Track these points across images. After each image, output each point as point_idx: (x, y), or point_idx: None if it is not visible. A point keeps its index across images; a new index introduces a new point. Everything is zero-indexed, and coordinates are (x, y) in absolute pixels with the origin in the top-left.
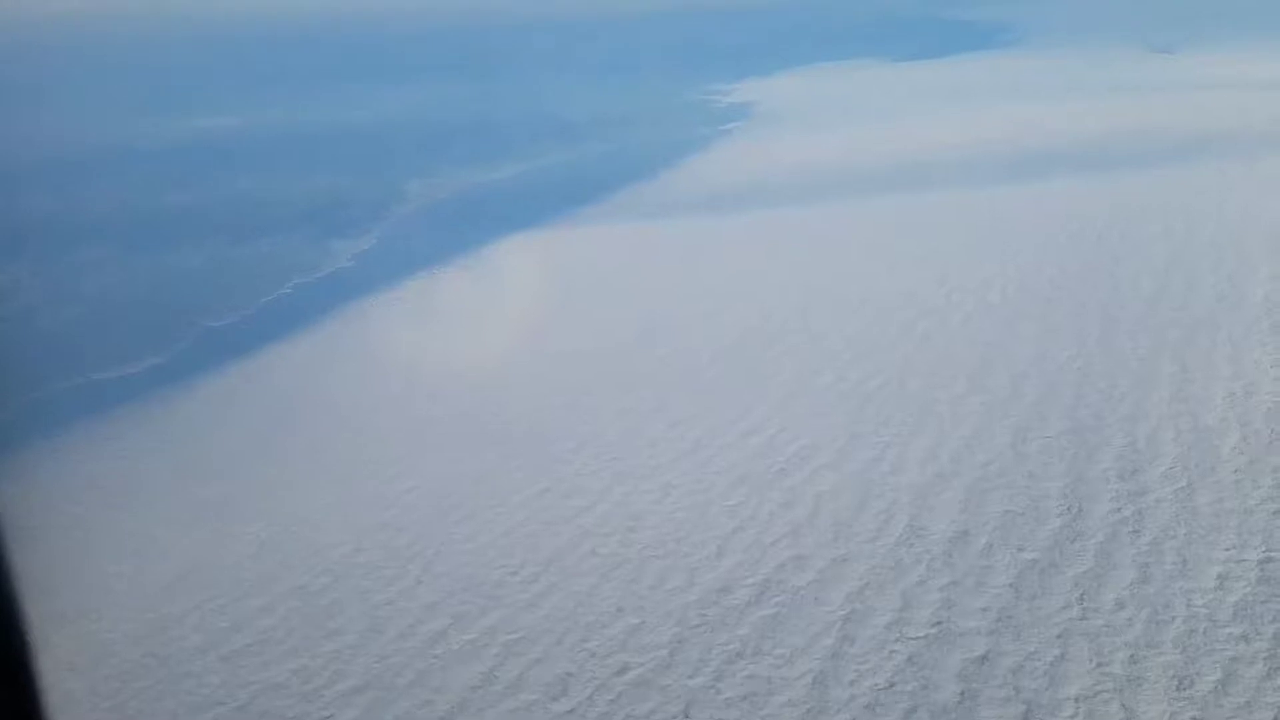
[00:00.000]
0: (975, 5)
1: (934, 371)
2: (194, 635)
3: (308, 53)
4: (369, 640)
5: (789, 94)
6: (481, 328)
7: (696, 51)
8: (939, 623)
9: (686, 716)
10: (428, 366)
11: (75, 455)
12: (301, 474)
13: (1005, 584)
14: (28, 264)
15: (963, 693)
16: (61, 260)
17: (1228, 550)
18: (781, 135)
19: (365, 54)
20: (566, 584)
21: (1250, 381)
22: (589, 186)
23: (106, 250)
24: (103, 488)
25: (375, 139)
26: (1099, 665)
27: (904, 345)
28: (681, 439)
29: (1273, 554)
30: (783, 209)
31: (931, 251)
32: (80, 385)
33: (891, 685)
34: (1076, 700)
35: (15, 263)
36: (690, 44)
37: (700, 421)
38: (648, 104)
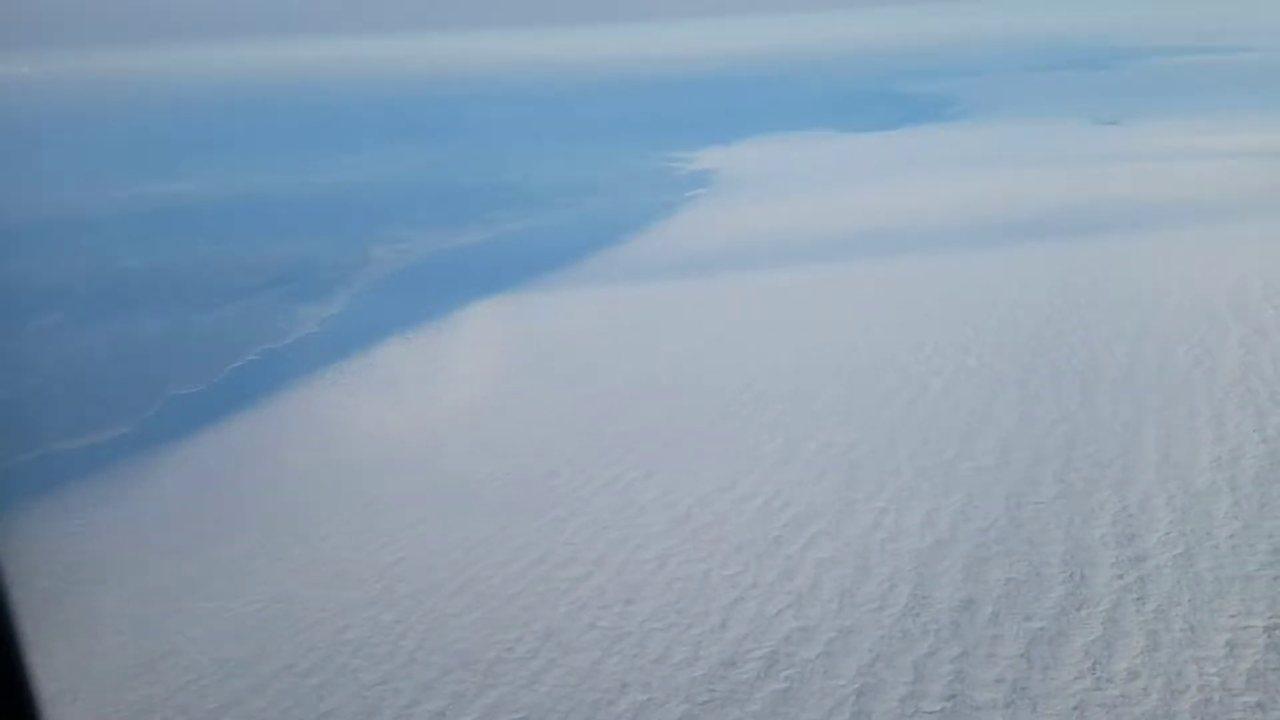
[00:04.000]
0: (923, 80)
1: (922, 437)
2: (179, 719)
3: (270, 118)
4: None
5: (750, 162)
6: (459, 393)
7: (657, 121)
8: (953, 695)
9: None
10: (405, 434)
11: (40, 530)
12: (280, 547)
13: (1016, 654)
14: None
15: None
16: (20, 327)
17: (1233, 617)
18: (746, 201)
19: (328, 120)
20: (567, 659)
21: (1235, 446)
22: (557, 252)
23: (66, 317)
24: (71, 563)
25: (340, 204)
26: None
27: (889, 410)
28: (674, 506)
29: (1278, 620)
30: (754, 274)
31: (905, 316)
32: (42, 456)
33: None
34: None
35: None
36: (650, 114)
37: (691, 488)
38: (611, 171)
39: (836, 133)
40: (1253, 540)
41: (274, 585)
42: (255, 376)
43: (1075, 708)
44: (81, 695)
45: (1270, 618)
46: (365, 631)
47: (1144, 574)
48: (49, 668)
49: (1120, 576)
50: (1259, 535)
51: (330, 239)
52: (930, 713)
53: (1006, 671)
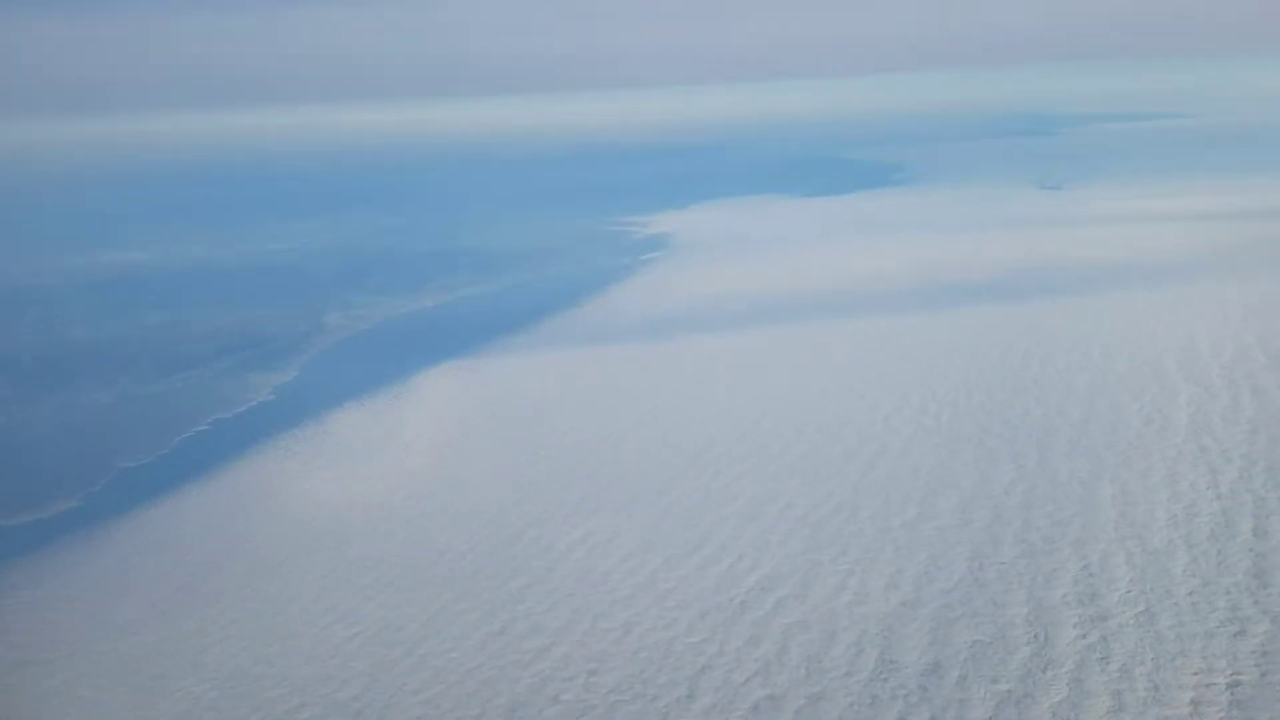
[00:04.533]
0: (870, 146)
1: (884, 497)
2: None
3: (225, 185)
4: None
5: (704, 226)
6: (414, 461)
7: (613, 186)
8: None
9: None
10: (360, 504)
11: None
12: (232, 623)
13: (984, 717)
14: None
15: None
16: None
17: (1196, 675)
18: (702, 264)
19: (285, 187)
20: None
21: (1190, 503)
22: (514, 316)
23: (14, 389)
24: (18, 642)
25: (294, 271)
26: None
27: (850, 471)
28: (637, 572)
29: (1239, 677)
30: (712, 335)
31: (862, 377)
32: None
33: None
34: None
35: None
36: (606, 179)
37: (655, 553)
38: (566, 236)
39: (789, 197)
40: (1211, 597)
41: (227, 661)
42: (206, 447)
43: None
44: None
45: (1232, 675)
46: (322, 710)
47: (1107, 633)
48: None
49: (1084, 636)
50: (1217, 592)
51: (284, 306)
52: None
53: None
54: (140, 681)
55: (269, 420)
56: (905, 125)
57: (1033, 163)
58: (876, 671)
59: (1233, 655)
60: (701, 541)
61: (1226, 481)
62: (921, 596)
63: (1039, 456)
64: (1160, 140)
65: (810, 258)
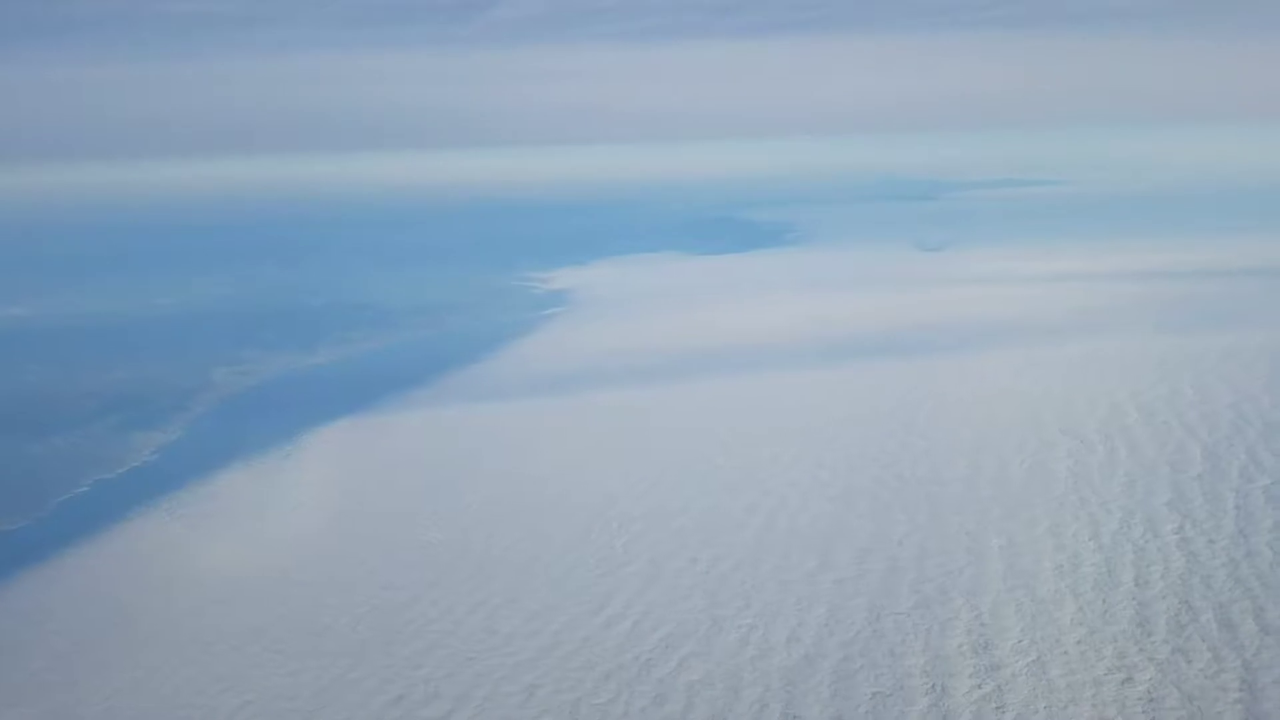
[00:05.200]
0: (764, 208)
1: (784, 551)
2: None
3: (114, 238)
4: None
5: (604, 283)
6: (305, 523)
7: (513, 242)
8: None
9: None
10: (248, 569)
11: None
12: (114, 694)
13: None
14: None
15: None
16: None
17: None
18: (601, 322)
19: (177, 240)
20: None
21: (1074, 554)
22: (412, 372)
23: None
24: None
25: (181, 326)
26: None
27: (751, 525)
28: (540, 633)
29: None
30: (611, 392)
31: (760, 432)
32: None
33: None
34: None
35: None
36: (507, 235)
37: (558, 613)
38: (466, 291)
39: (685, 255)
40: (1099, 645)
41: None
42: (86, 510)
43: None
44: None
45: None
46: None
47: (1001, 682)
48: None
49: (979, 686)
50: (1104, 640)
51: (171, 362)
52: None
53: None
54: None
55: (152, 481)
56: (797, 188)
57: (914, 225)
58: None
59: (1121, 702)
60: (605, 600)
61: (1107, 532)
62: (823, 649)
63: (929, 509)
64: (1032, 205)
65: (708, 315)
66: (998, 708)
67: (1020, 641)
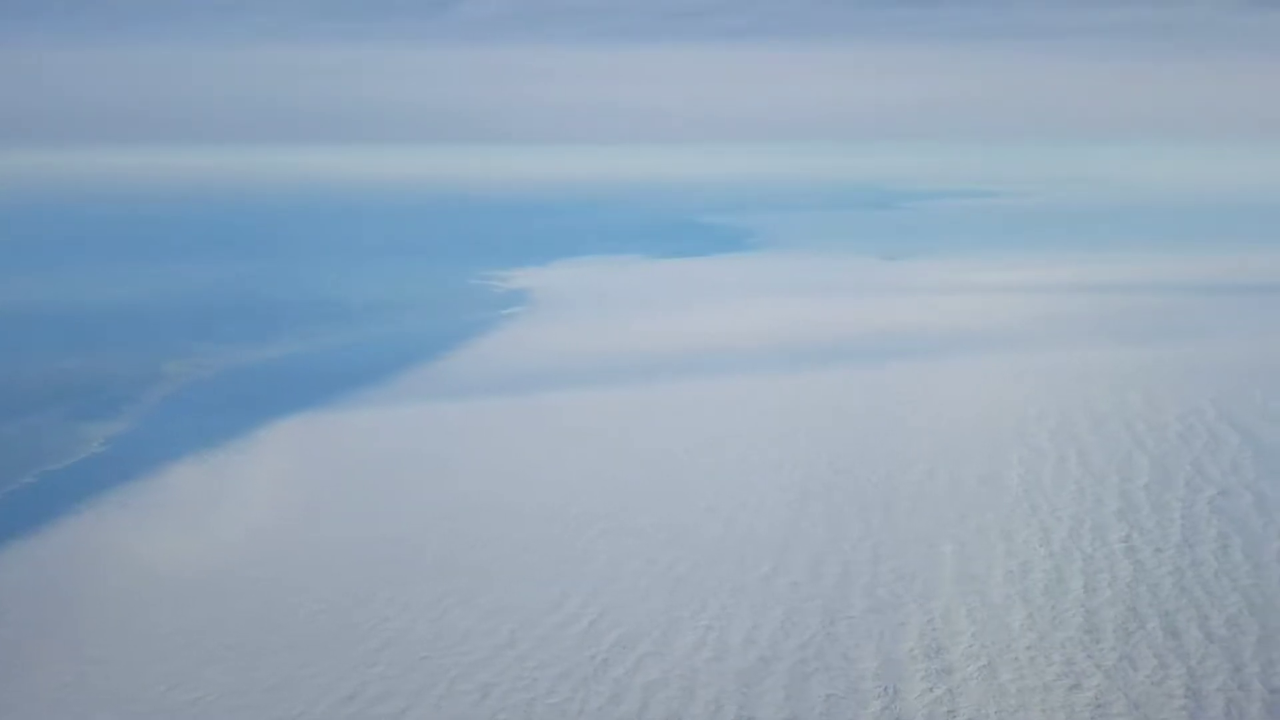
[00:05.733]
0: (722, 212)
1: (741, 553)
2: None
3: (65, 225)
4: None
5: (566, 284)
6: (260, 518)
7: (474, 241)
8: None
9: None
10: (200, 564)
11: None
12: (61, 688)
13: None
14: None
15: None
16: None
17: None
18: (562, 323)
19: (132, 229)
20: None
21: (1025, 560)
22: (370, 368)
23: None
24: None
25: (134, 317)
26: None
27: (709, 527)
28: (496, 632)
29: None
30: (570, 394)
31: (719, 436)
32: None
33: None
34: None
35: None
36: (468, 233)
37: (514, 612)
38: (427, 288)
39: (648, 259)
40: (1048, 651)
41: None
42: (32, 501)
43: None
44: None
45: None
46: None
47: (952, 686)
48: None
49: (931, 689)
50: (1053, 646)
51: (123, 352)
52: None
53: None
54: None
55: (102, 473)
56: (759, 193)
57: (874, 234)
58: None
59: (1070, 708)
60: (562, 600)
61: (1057, 539)
62: (778, 651)
63: (884, 513)
64: (990, 217)
65: (669, 318)
66: (949, 711)
67: (971, 646)
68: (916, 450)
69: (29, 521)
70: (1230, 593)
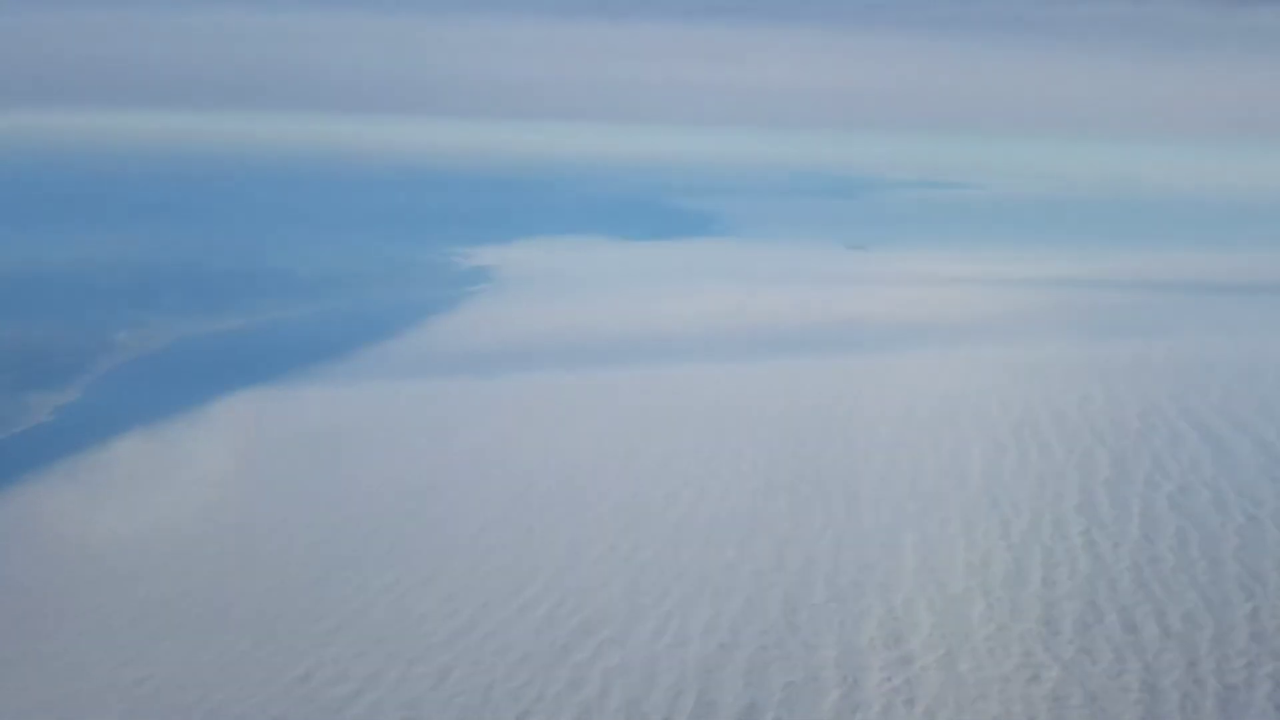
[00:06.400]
0: (690, 195)
1: (703, 541)
2: None
3: (5, 189)
4: None
5: (529, 262)
6: (211, 495)
7: (435, 216)
8: None
9: None
10: (149, 540)
11: None
12: (9, 664)
13: None
14: None
15: None
16: None
17: (994, 719)
18: (523, 303)
19: (76, 192)
20: None
21: (985, 551)
22: (326, 344)
23: None
24: None
25: (80, 283)
26: None
27: (671, 513)
28: (455, 615)
29: None
30: (531, 375)
31: (681, 422)
32: None
33: None
34: None
35: None
36: (429, 208)
37: (473, 595)
38: (387, 263)
39: (610, 239)
40: (1007, 643)
41: None
42: None
43: None
44: None
45: (1028, 718)
46: None
47: (911, 676)
48: None
49: (889, 679)
50: (1012, 638)
51: (68, 320)
52: None
53: None
54: None
55: (47, 444)
56: (722, 177)
57: (838, 223)
58: (695, 713)
59: (1027, 699)
60: (522, 584)
61: (1017, 532)
62: (738, 639)
63: (846, 504)
64: (956, 208)
65: (631, 302)
66: (907, 700)
67: (931, 636)
68: (879, 441)
69: None
70: (1187, 589)
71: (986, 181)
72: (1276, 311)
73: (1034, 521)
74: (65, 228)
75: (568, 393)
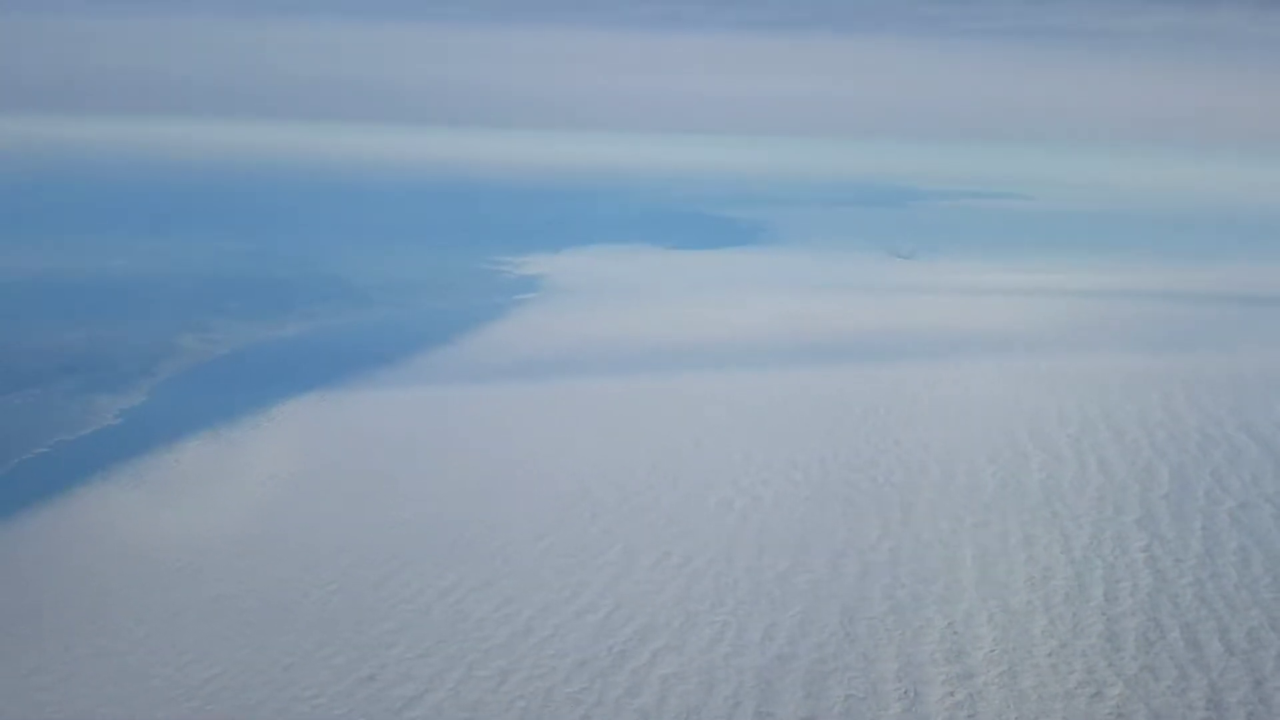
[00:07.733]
0: (735, 205)
1: (758, 549)
2: None
3: (78, 195)
4: None
5: (578, 271)
6: (274, 496)
7: (487, 225)
8: None
9: None
10: (215, 539)
11: None
12: (76, 661)
13: None
14: None
15: None
16: None
17: None
18: (574, 310)
19: (141, 200)
20: None
21: (1046, 566)
22: (383, 349)
23: None
24: None
25: (146, 290)
26: None
27: (725, 522)
28: (513, 619)
29: None
30: (585, 380)
31: (734, 430)
32: None
33: None
34: None
35: None
36: (481, 217)
37: (530, 600)
38: (440, 271)
39: (658, 249)
40: (1069, 659)
41: (69, 705)
42: (47, 471)
43: None
44: None
45: None
46: None
47: (973, 691)
48: None
49: (951, 694)
50: (1074, 654)
51: (134, 326)
52: None
53: None
54: None
55: (115, 446)
56: (769, 187)
57: (885, 232)
58: None
59: (1090, 717)
60: (578, 589)
61: (1078, 547)
62: (796, 649)
63: (903, 515)
64: (1003, 218)
65: (681, 310)
66: (970, 716)
67: (992, 651)
68: (934, 452)
69: (44, 492)
70: (1251, 606)
71: (1035, 192)
72: None
73: (1095, 536)
74: (130, 233)
75: (619, 399)
